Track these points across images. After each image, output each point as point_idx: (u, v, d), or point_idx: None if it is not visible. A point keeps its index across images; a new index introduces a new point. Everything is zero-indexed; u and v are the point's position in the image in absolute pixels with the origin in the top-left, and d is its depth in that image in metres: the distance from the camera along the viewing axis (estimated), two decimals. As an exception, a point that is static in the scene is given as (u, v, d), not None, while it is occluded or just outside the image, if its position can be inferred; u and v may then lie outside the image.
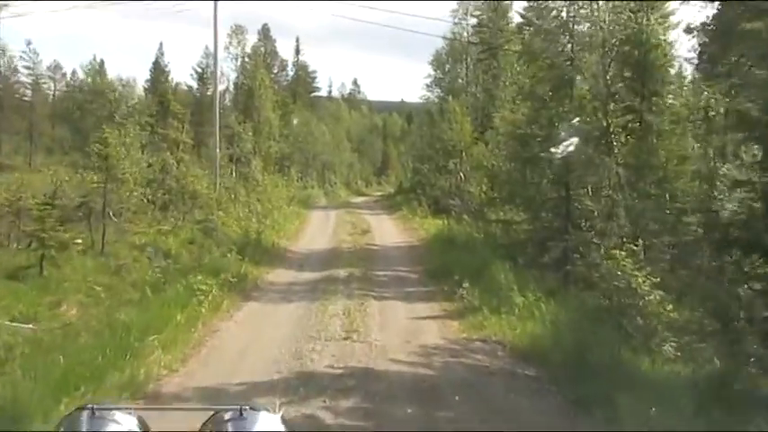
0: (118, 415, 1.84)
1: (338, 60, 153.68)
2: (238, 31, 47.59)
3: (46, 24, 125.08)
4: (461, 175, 35.35)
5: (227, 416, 1.87)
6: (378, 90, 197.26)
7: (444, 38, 43.18)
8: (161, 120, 25.47)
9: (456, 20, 41.32)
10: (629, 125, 17.52)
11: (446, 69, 45.69)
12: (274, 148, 48.26)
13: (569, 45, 18.03)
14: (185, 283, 13.50)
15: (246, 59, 48.20)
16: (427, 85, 46.80)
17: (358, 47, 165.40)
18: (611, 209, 17.86)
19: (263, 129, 46.45)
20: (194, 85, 60.23)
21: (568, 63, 18.11)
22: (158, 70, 66.35)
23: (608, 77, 17.68)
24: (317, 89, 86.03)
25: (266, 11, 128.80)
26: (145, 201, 22.66)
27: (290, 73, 77.81)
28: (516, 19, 43.74)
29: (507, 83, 38.14)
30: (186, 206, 24.23)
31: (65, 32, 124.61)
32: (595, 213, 19.14)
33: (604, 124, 17.39)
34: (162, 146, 24.56)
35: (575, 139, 17.18)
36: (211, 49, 47.26)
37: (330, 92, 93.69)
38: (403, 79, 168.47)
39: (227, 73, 49.07)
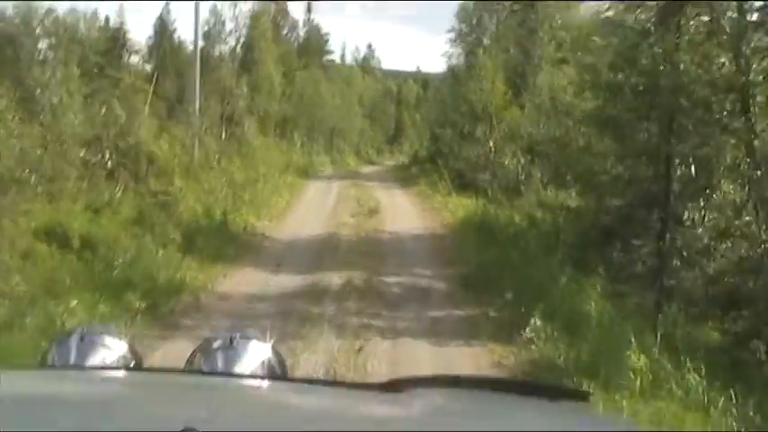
0: (108, 340, 1.75)
1: (351, 28, 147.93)
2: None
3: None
4: (492, 144, 29.59)
5: (216, 344, 1.77)
6: (393, 59, 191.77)
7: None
8: (116, 61, 19.36)
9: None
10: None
11: (473, 22, 39.31)
12: (275, 107, 42.67)
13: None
14: (47, 314, 7.64)
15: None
16: (451, 40, 40.32)
17: (372, 16, 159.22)
18: (745, 196, 11.93)
19: (262, 86, 40.96)
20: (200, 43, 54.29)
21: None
22: (162, 27, 60.38)
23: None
24: (330, 52, 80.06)
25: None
26: (82, 164, 16.91)
27: (301, 34, 71.91)
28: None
29: (546, 39, 32.52)
30: (140, 173, 18.44)
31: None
32: (702, 203, 13.27)
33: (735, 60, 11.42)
34: (114, 93, 18.46)
35: None
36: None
37: (343, 56, 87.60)
38: (419, 49, 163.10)
39: (228, 25, 43.05)
